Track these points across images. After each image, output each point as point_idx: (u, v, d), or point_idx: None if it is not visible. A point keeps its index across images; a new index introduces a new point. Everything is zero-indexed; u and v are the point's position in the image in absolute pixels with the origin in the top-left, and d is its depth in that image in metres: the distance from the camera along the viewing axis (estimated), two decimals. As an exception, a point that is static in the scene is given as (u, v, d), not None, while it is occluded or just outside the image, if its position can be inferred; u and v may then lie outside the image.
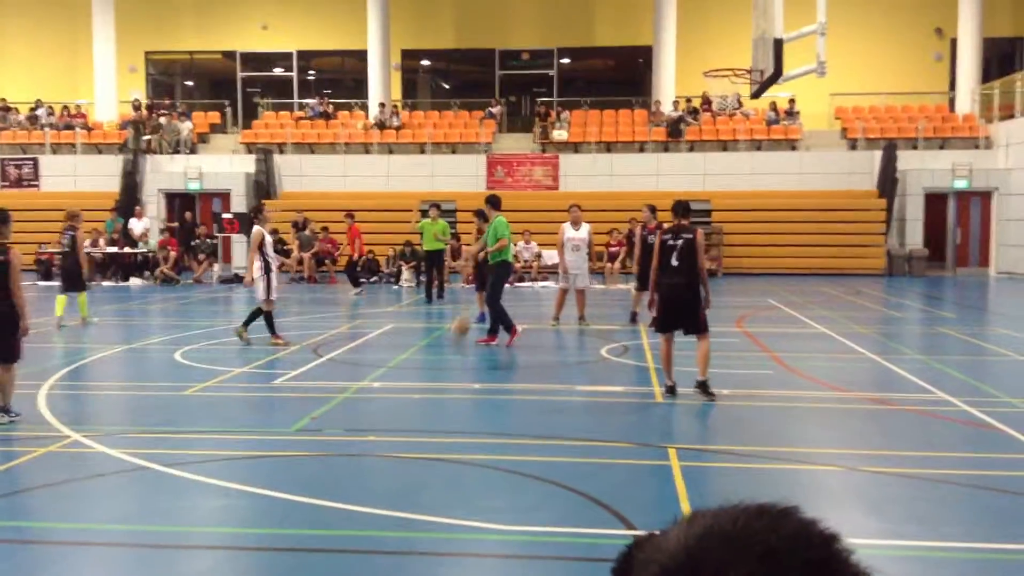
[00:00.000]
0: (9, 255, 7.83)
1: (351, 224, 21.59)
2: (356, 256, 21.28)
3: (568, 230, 14.43)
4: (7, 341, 7.78)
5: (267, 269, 12.24)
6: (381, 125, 29.27)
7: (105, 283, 23.18)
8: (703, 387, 8.72)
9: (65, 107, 31.21)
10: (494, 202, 13.23)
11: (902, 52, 30.85)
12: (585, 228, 14.52)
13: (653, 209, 14.44)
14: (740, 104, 28.77)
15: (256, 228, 12.34)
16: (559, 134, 28.64)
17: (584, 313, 14.40)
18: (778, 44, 12.93)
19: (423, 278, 19.77)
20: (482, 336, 12.73)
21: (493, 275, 12.82)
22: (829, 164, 27.02)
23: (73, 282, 14.78)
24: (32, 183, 28.78)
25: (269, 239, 12.51)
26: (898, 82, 29.88)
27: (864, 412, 8.64)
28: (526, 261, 23.37)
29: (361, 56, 31.33)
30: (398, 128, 29.30)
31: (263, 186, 27.57)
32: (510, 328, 12.44)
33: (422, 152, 28.73)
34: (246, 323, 12.40)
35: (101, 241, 24.02)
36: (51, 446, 7.07)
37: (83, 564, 4.84)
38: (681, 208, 9.07)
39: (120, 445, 7.09)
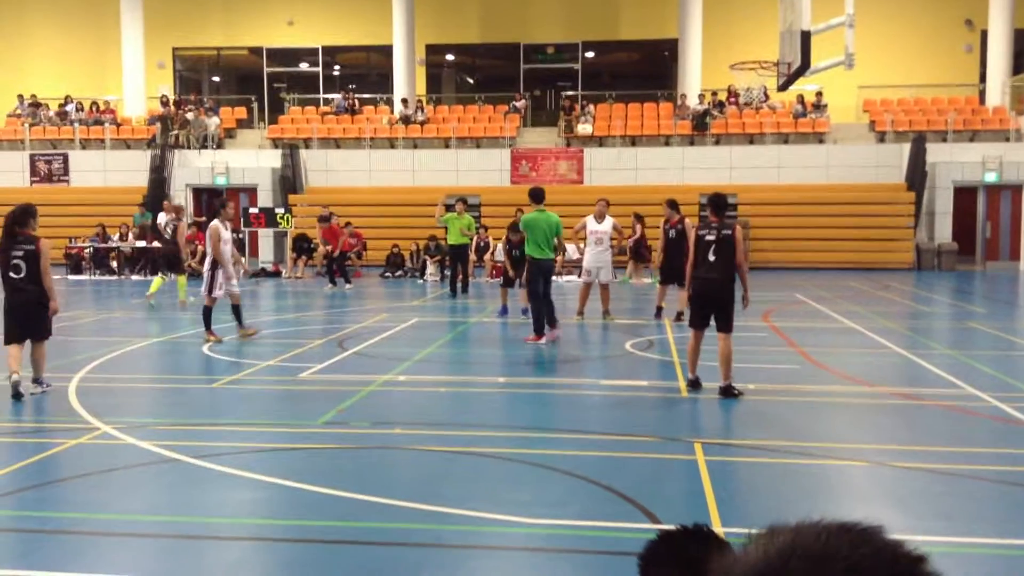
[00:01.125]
0: (38, 244, 8.74)
1: (330, 226, 21.36)
2: (335, 253, 21.02)
3: (591, 223, 14.37)
4: (41, 321, 8.80)
5: (214, 265, 12.23)
6: (406, 120, 29.34)
7: (134, 277, 23.42)
8: (727, 391, 8.60)
9: (94, 103, 31.53)
10: (533, 195, 12.52)
11: (931, 43, 30.48)
12: (609, 222, 14.37)
13: (674, 204, 14.38)
14: (767, 97, 28.56)
15: (214, 223, 12.36)
16: (584, 128, 28.57)
17: (609, 308, 14.35)
18: (806, 36, 12.82)
19: (447, 272, 19.80)
20: (529, 335, 12.32)
21: (533, 271, 12.33)
22: (857, 157, 26.77)
23: (173, 266, 17.10)
24: (62, 178, 29.12)
25: (226, 235, 12.42)
26: (927, 74, 29.55)
27: (892, 407, 8.57)
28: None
29: (386, 51, 31.41)
30: (423, 123, 29.35)
31: (289, 181, 27.74)
32: (540, 329, 12.10)
33: (447, 147, 28.77)
34: (239, 323, 12.44)
35: (130, 235, 24.27)
36: (82, 438, 7.17)
37: (114, 554, 4.91)
38: (717, 203, 8.96)
39: (150, 437, 7.18)
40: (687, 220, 14.03)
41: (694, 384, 8.95)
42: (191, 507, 5.57)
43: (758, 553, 0.82)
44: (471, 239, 19.27)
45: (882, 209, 25.60)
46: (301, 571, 4.60)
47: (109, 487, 6.06)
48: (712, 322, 8.80)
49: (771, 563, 0.80)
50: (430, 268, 22.77)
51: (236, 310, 12.48)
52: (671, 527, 0.94)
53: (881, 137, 27.70)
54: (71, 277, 23.39)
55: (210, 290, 12.19)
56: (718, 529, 5.08)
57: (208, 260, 12.33)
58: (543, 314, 12.12)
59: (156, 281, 17.05)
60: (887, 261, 25.11)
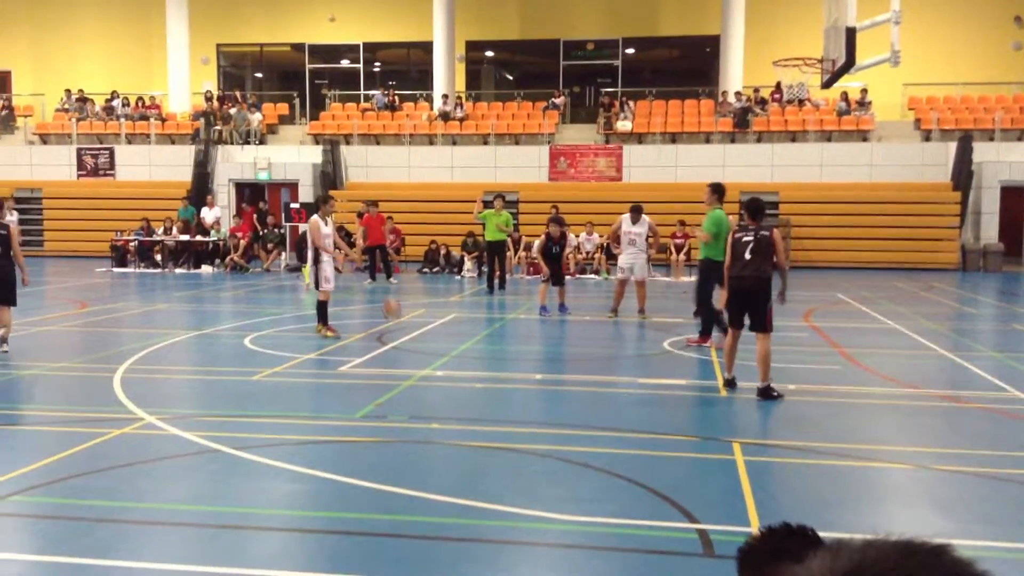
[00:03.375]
0: (10, 229, 11.08)
1: (372, 214, 21.45)
2: (370, 244, 21.18)
3: (626, 223, 14.37)
4: (12, 291, 11.03)
5: (317, 259, 12.34)
6: (445, 116, 29.42)
7: (177, 270, 23.77)
8: (765, 393, 8.51)
9: (140, 98, 32.02)
10: (717, 190, 11.67)
11: (979, 41, 29.92)
12: (644, 223, 14.33)
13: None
14: (810, 94, 28.23)
15: (313, 217, 12.45)
16: (623, 125, 28.45)
17: (644, 306, 14.29)
18: (851, 33, 12.66)
19: (485, 269, 19.84)
20: (693, 336, 11.95)
21: (700, 272, 11.93)
22: (902, 156, 26.37)
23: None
24: (108, 172, 29.62)
25: (326, 229, 12.54)
26: (974, 72, 29.01)
27: (935, 409, 8.44)
28: (588, 252, 23.32)
29: (426, 47, 31.52)
30: (462, 119, 29.42)
31: (329, 177, 27.96)
32: (708, 331, 11.56)
33: (485, 143, 28.81)
34: (320, 320, 12.44)
35: (174, 229, 24.62)
36: (126, 428, 7.30)
37: (156, 542, 4.99)
38: (754, 207, 8.94)
39: (192, 428, 7.29)
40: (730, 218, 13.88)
41: (731, 384, 8.92)
42: (232, 497, 5.65)
43: (821, 572, 0.79)
44: (509, 235, 19.29)
45: (927, 209, 25.19)
46: (339, 562, 4.65)
47: (153, 476, 6.17)
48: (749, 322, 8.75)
49: None
50: (467, 264, 22.84)
51: (325, 306, 12.40)
52: (774, 524, 0.90)
53: (927, 135, 27.25)
54: (116, 269, 23.79)
55: (317, 284, 12.24)
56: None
57: (311, 254, 12.40)
58: (711, 317, 11.57)
59: (306, 270, 17.84)
60: (931, 261, 24.71)
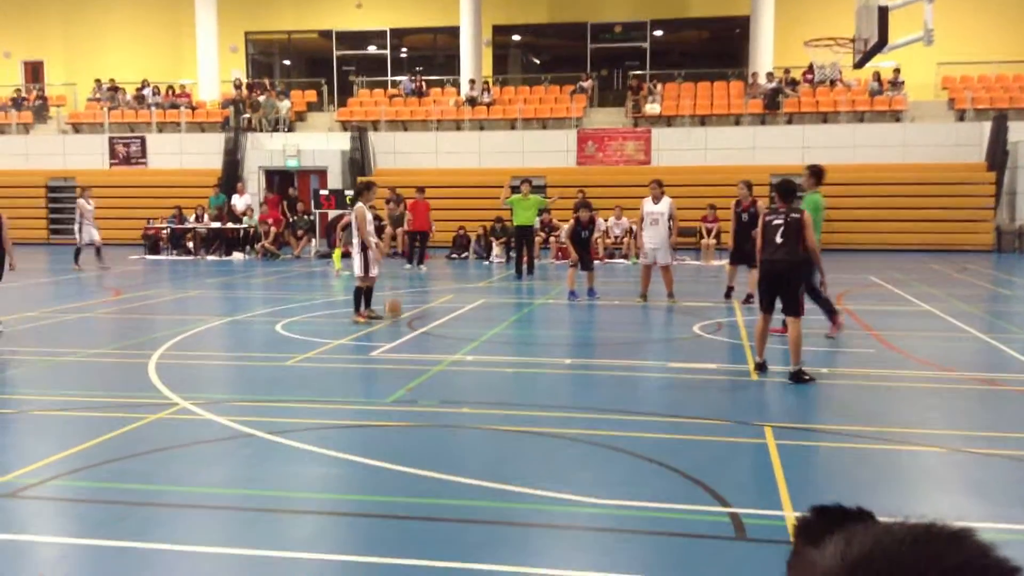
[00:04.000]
0: (1, 218, 12.12)
1: (419, 200, 21.59)
2: (414, 229, 21.40)
3: (647, 204, 14.28)
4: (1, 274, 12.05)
5: (364, 246, 12.39)
6: (472, 101, 29.39)
7: (209, 257, 23.99)
8: (797, 376, 8.44)
9: (170, 87, 32.29)
10: (816, 173, 11.30)
11: (1013, 18, 29.36)
12: (665, 203, 14.15)
13: (749, 185, 14.17)
14: (841, 74, 27.86)
15: (359, 205, 12.48)
16: (652, 108, 28.26)
17: (672, 290, 14.20)
18: (883, 12, 12.48)
19: (513, 254, 19.85)
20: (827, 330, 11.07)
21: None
22: (935, 136, 25.99)
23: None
24: (140, 160, 29.91)
25: (370, 216, 12.62)
26: (1009, 50, 28.47)
27: (970, 392, 8.35)
28: (617, 237, 23.25)
29: (453, 32, 31.47)
30: (489, 104, 29.37)
31: (358, 163, 28.05)
32: (833, 311, 11.07)
33: (512, 128, 28.75)
34: (356, 308, 12.46)
35: (205, 216, 24.84)
36: (161, 413, 7.40)
37: (193, 525, 5.07)
38: (785, 189, 8.88)
39: (226, 412, 7.38)
40: (759, 202, 13.72)
41: (761, 367, 8.88)
42: (266, 481, 5.72)
43: (834, 558, 0.75)
44: (542, 212, 19.47)
45: (961, 189, 24.83)
46: (372, 545, 4.69)
47: (188, 460, 6.25)
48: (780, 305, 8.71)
49: (848, 571, 0.73)
50: (496, 250, 22.85)
51: (362, 294, 12.46)
52: (828, 503, 0.87)
53: (961, 115, 26.83)
54: (149, 257, 24.06)
55: (366, 271, 12.29)
56: (796, 515, 5.03)
57: (357, 242, 12.42)
58: (824, 302, 10.94)
59: (336, 254, 19.37)
60: (966, 243, 24.38)
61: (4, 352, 10.22)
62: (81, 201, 20.87)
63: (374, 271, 12.44)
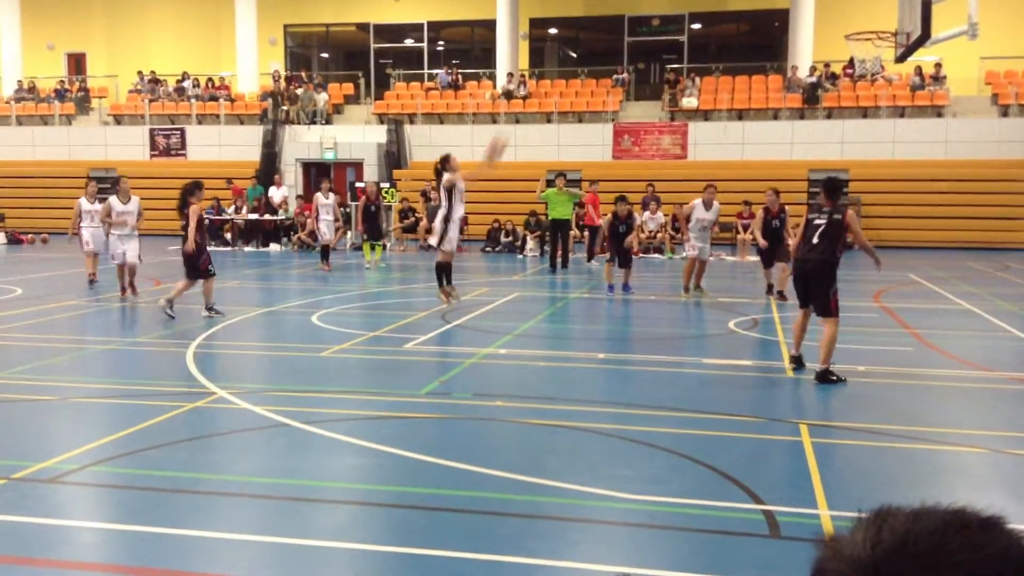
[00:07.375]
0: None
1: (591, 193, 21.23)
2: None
3: (700, 210, 14.42)
4: None
5: (447, 219, 12.16)
6: (508, 95, 29.36)
7: (247, 248, 24.22)
8: (823, 376, 8.25)
9: (209, 79, 32.61)
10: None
11: (1063, 11, 28.73)
12: (716, 210, 14.64)
13: (777, 193, 14.39)
14: (883, 68, 27.45)
15: (446, 176, 12.31)
16: (689, 102, 28.06)
17: (701, 282, 14.50)
18: (926, 5, 12.28)
19: (547, 248, 19.82)
20: None
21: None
22: (978, 132, 25.54)
23: (376, 234, 20.08)
24: (179, 152, 30.26)
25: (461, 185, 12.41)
26: (1057, 44, 27.90)
27: (1011, 393, 8.21)
28: (651, 231, 23.13)
29: (490, 26, 31.45)
30: (525, 98, 29.32)
31: (394, 156, 28.15)
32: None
33: (548, 122, 28.68)
34: (440, 283, 12.47)
35: (244, 208, 25.07)
36: (199, 402, 7.49)
37: (230, 513, 5.13)
38: (831, 187, 8.80)
39: (262, 402, 7.45)
40: (787, 208, 14.29)
41: (797, 360, 8.81)
42: (301, 471, 5.77)
43: (865, 545, 0.73)
44: (576, 203, 19.39)
45: (1004, 187, 24.39)
46: (405, 536, 4.72)
47: (225, 449, 6.33)
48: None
49: (878, 564, 0.71)
50: (530, 243, 22.83)
51: (442, 271, 12.42)
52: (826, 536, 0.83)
53: (1004, 111, 26.34)
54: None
55: (441, 242, 12.19)
56: (831, 513, 4.98)
57: (443, 212, 12.23)
58: None
59: (366, 246, 19.91)
60: (1008, 240, 23.95)
61: (45, 340, 10.40)
62: (81, 201, 16.42)
63: (448, 246, 12.25)
